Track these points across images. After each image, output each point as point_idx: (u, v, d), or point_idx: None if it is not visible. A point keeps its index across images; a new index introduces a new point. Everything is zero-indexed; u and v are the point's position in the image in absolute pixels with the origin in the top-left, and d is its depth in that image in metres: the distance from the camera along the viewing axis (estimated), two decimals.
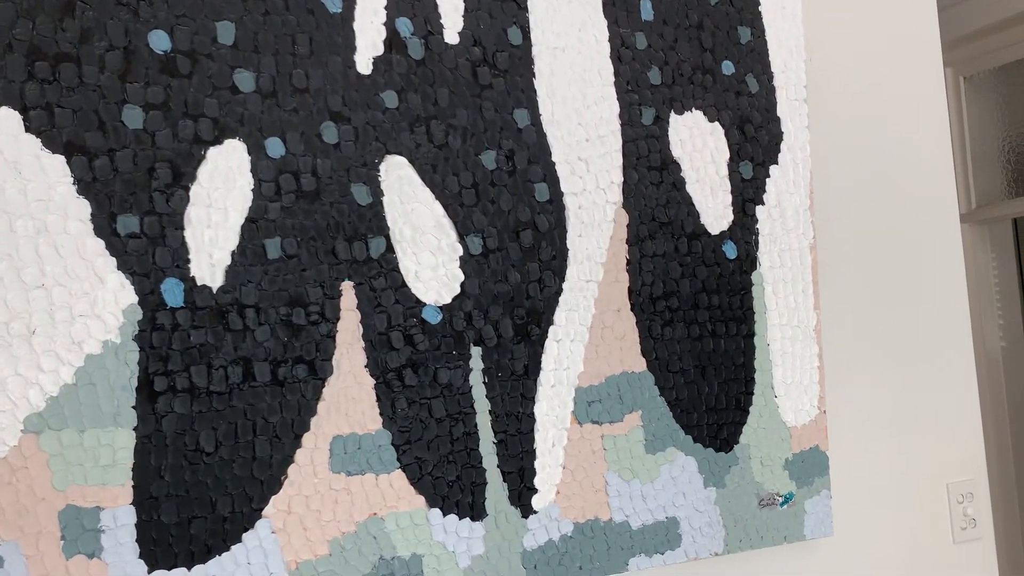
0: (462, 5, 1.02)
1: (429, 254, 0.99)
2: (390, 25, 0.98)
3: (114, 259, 0.85)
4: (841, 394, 1.28)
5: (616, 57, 1.11)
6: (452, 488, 0.98)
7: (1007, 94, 2.48)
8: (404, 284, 0.98)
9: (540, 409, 1.04)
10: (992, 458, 2.45)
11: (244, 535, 0.88)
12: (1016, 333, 2.53)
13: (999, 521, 2.43)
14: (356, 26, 0.96)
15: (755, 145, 1.19)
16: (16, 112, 0.82)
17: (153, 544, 0.85)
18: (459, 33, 1.02)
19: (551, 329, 1.05)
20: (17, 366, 0.81)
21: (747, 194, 1.18)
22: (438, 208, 1.00)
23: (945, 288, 1.40)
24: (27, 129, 0.82)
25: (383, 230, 0.97)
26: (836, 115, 1.33)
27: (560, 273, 1.06)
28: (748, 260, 1.18)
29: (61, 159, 0.83)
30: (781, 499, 1.18)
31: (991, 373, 2.51)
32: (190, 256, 0.87)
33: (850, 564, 1.27)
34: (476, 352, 1.01)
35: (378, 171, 0.97)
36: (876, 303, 1.34)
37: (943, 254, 1.40)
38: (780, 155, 1.21)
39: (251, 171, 0.91)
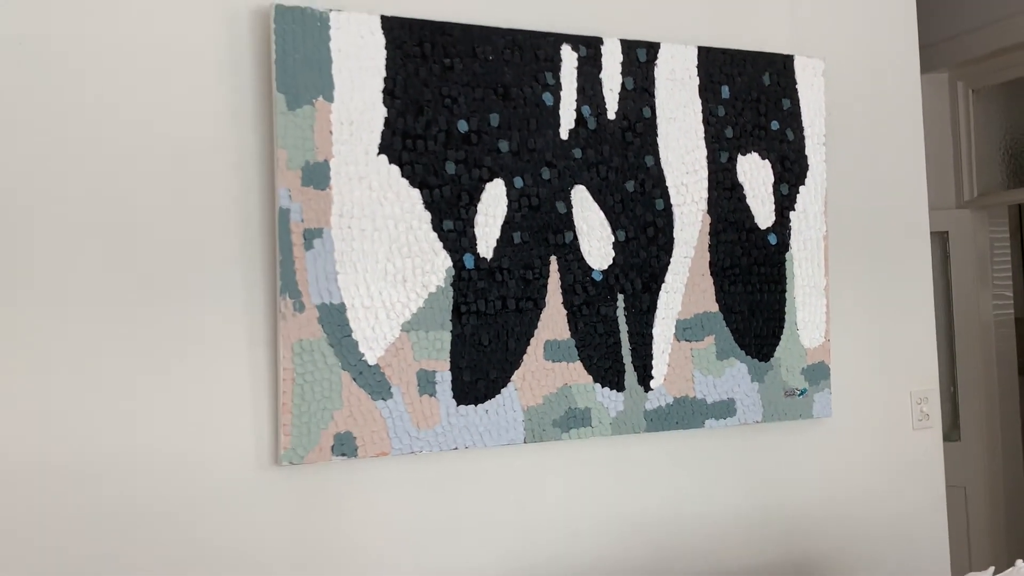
0: (617, 96, 1.76)
1: (596, 241, 1.74)
2: (578, 110, 1.72)
3: (441, 243, 1.62)
4: (841, 329, 2.01)
5: (705, 121, 1.83)
6: (607, 373, 1.74)
7: (1008, 105, 3.11)
8: (582, 258, 1.73)
9: (656, 331, 1.79)
10: (982, 401, 3.07)
11: (502, 389, 1.66)
12: (1008, 303, 3.16)
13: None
14: (560, 112, 1.71)
15: (790, 174, 1.91)
16: (396, 167, 1.59)
17: (459, 391, 1.63)
18: (615, 112, 1.76)
19: (663, 285, 1.80)
20: (398, 296, 1.59)
21: (784, 204, 1.91)
22: (601, 215, 1.75)
23: (913, 260, 2.10)
24: (400, 172, 1.59)
25: (572, 227, 1.72)
26: (845, 150, 2.03)
27: (669, 252, 1.80)
28: (783, 245, 1.90)
29: (417, 191, 1.60)
30: (799, 392, 1.92)
31: (984, 336, 3.08)
32: (479, 238, 1.64)
33: (842, 437, 2.01)
34: (620, 297, 1.76)
35: (570, 194, 1.72)
36: (865, 272, 2.05)
37: (912, 237, 2.10)
38: (807, 179, 1.93)
39: (506, 196, 1.66)
